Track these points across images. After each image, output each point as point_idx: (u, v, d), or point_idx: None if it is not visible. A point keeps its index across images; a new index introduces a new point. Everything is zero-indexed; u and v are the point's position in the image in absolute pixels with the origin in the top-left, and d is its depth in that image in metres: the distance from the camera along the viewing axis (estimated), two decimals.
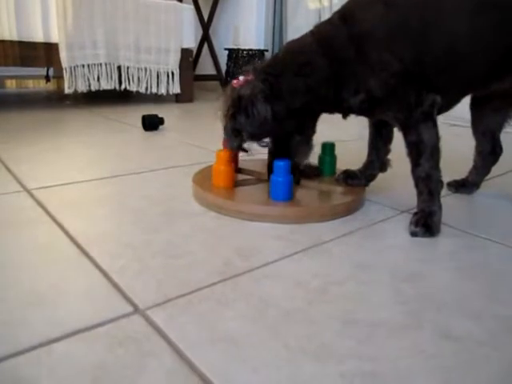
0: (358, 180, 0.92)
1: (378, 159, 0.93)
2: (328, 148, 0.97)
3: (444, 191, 0.99)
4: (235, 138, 0.81)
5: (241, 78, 0.81)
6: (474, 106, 0.94)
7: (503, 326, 0.50)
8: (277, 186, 0.79)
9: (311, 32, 0.82)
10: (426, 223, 0.75)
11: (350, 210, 0.82)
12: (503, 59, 0.76)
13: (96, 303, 0.51)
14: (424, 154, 0.75)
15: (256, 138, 0.82)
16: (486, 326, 0.50)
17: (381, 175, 0.95)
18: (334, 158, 0.98)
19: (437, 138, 0.76)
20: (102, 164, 1.13)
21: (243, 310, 0.51)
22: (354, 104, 0.79)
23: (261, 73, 0.79)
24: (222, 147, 0.96)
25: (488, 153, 0.96)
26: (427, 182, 0.76)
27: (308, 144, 0.85)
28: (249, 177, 0.91)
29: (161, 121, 1.63)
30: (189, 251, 0.65)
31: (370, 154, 0.94)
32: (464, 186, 0.99)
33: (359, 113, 0.83)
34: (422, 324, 0.50)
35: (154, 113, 1.66)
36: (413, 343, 0.47)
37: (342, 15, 0.79)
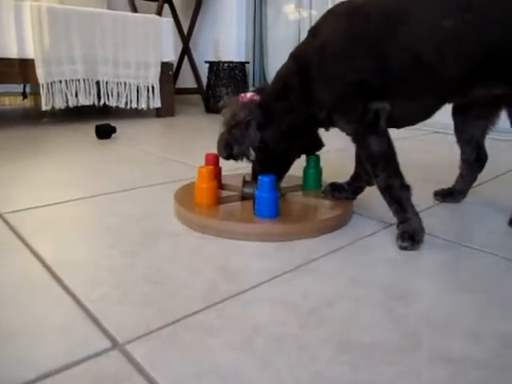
0: (346, 193, 0.90)
1: (364, 172, 0.92)
2: (313, 160, 0.95)
3: (431, 201, 0.98)
4: (225, 149, 0.83)
5: (248, 94, 0.84)
6: (455, 114, 0.94)
7: (500, 343, 0.48)
8: (262, 202, 0.76)
9: (291, 52, 0.85)
10: (411, 236, 0.73)
11: (337, 225, 0.80)
12: (478, 67, 0.75)
13: (71, 339, 0.47)
14: (377, 166, 0.76)
15: (242, 156, 0.83)
16: (483, 345, 0.48)
17: (367, 187, 0.93)
18: (319, 171, 0.96)
19: (387, 147, 0.76)
20: (80, 183, 1.09)
21: (230, 338, 0.48)
22: (321, 118, 0.81)
23: (260, 100, 0.83)
24: (203, 163, 0.94)
25: (473, 160, 0.95)
26: (390, 192, 0.76)
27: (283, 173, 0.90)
28: (232, 193, 0.89)
29: (113, 129, 1.74)
30: (171, 275, 0.61)
31: (356, 167, 0.92)
32: (451, 194, 0.98)
33: (332, 126, 0.84)
34: (418, 345, 0.48)
35: (108, 123, 1.77)
36: (409, 367, 0.44)
37: (312, 29, 0.82)
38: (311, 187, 0.93)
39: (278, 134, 0.82)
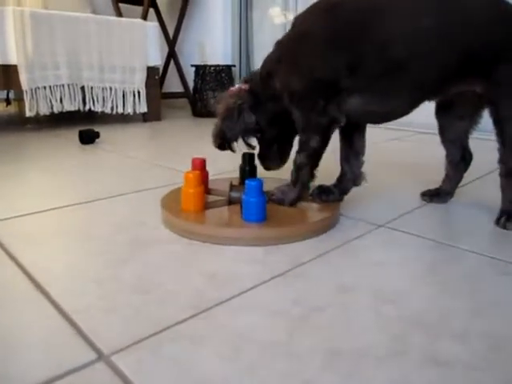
0: (333, 195, 0.89)
1: (350, 172, 0.92)
2: None
3: (419, 201, 0.98)
4: (218, 136, 0.88)
5: (236, 86, 0.90)
6: (438, 115, 0.94)
7: (490, 345, 0.48)
8: (249, 206, 0.75)
9: (277, 40, 0.88)
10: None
11: (325, 227, 0.79)
12: (453, 65, 0.77)
13: (56, 351, 0.46)
14: (304, 152, 0.82)
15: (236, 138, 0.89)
16: (473, 347, 0.48)
17: (354, 189, 0.93)
18: None
19: (323, 146, 0.81)
20: (65, 191, 1.07)
21: (218, 347, 0.47)
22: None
23: (249, 87, 0.88)
24: (190, 167, 0.93)
25: (458, 160, 0.95)
26: (298, 171, 0.83)
27: (284, 154, 0.94)
28: (219, 198, 0.88)
29: (96, 134, 1.73)
30: (159, 284, 0.60)
31: (342, 168, 0.92)
32: (438, 195, 0.99)
33: None
34: (409, 350, 0.47)
35: (91, 128, 1.76)
36: (401, 373, 0.44)
37: (294, 19, 0.86)
38: None
39: (267, 118, 0.87)
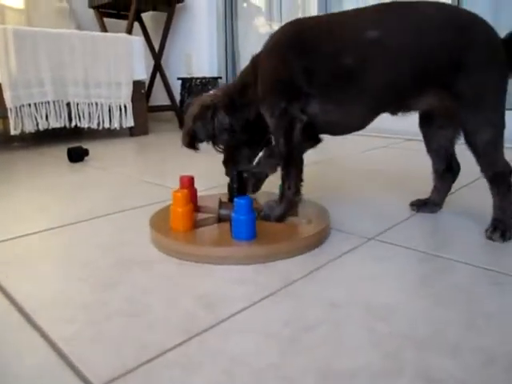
0: None
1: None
2: None
3: (408, 212, 0.98)
4: (188, 137, 0.91)
5: (211, 92, 0.95)
6: (421, 125, 0.96)
7: (482, 359, 0.48)
8: (239, 224, 0.75)
9: (252, 56, 0.92)
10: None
11: (316, 243, 0.79)
12: (409, 74, 0.78)
13: (43, 383, 0.45)
14: (281, 162, 0.84)
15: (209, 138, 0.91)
16: (465, 363, 0.48)
17: (343, 201, 0.93)
18: None
19: (290, 149, 0.82)
20: (50, 212, 1.05)
21: (211, 373, 0.46)
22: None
23: (224, 92, 0.92)
24: (178, 185, 0.93)
25: (444, 170, 0.96)
26: (282, 186, 0.84)
27: (253, 157, 0.98)
28: (209, 215, 0.87)
29: (85, 152, 1.71)
30: (149, 307, 0.60)
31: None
32: (425, 205, 0.99)
33: None
34: (402, 367, 0.47)
35: (80, 145, 1.74)
36: None
37: (270, 36, 0.91)
38: None
39: (241, 124, 0.90)
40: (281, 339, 0.52)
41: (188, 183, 0.92)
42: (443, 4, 0.83)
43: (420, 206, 0.99)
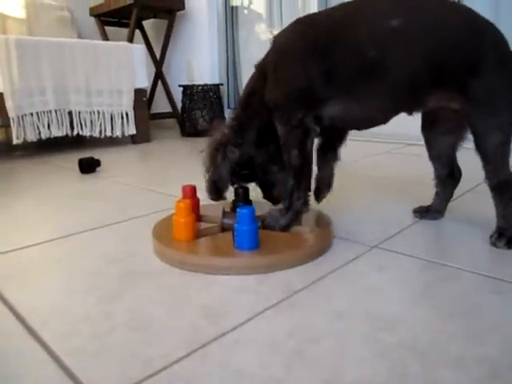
0: None
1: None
2: None
3: (410, 219, 0.98)
4: (213, 191, 0.89)
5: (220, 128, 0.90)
6: (424, 130, 0.95)
7: (487, 371, 0.48)
8: (242, 234, 0.75)
9: (256, 64, 0.89)
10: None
11: (320, 252, 0.79)
12: (427, 71, 0.77)
13: None
14: (290, 173, 0.82)
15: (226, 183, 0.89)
16: (471, 375, 0.47)
17: (346, 208, 0.93)
18: None
19: (303, 161, 0.81)
20: (52, 222, 1.06)
21: None
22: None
23: (230, 123, 0.90)
24: (181, 194, 0.93)
25: (446, 176, 0.96)
26: (290, 196, 0.83)
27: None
28: (212, 225, 0.87)
29: (97, 163, 1.66)
30: (152, 320, 0.59)
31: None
32: (427, 212, 0.99)
33: None
34: (408, 380, 0.47)
35: (91, 155, 1.69)
36: None
37: (273, 37, 0.88)
38: None
39: (253, 138, 0.87)
40: (285, 352, 0.52)
41: (190, 192, 0.93)
42: (456, 4, 0.83)
43: (422, 212, 0.99)
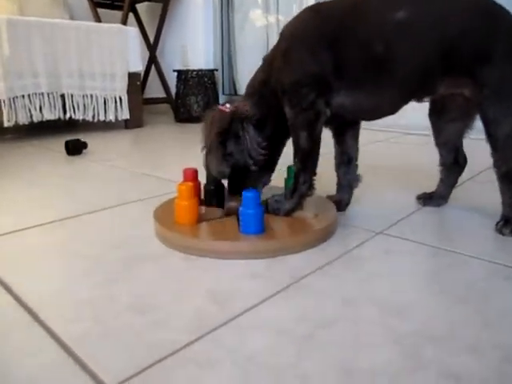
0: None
1: (344, 179, 0.92)
2: (293, 171, 0.93)
3: (414, 206, 0.98)
4: (225, 165, 0.82)
5: (228, 105, 0.83)
6: (431, 117, 0.94)
7: (502, 355, 0.47)
8: (247, 218, 0.73)
9: (263, 57, 0.88)
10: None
11: (325, 237, 0.78)
12: (436, 60, 0.76)
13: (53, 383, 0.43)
14: (298, 155, 0.81)
15: (242, 168, 0.83)
16: (486, 360, 0.47)
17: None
18: None
19: (312, 144, 0.79)
20: (48, 205, 1.03)
21: (227, 372, 0.45)
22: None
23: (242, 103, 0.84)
24: (180, 177, 0.91)
25: (451, 164, 0.95)
26: (296, 179, 0.81)
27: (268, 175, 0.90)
28: (214, 209, 0.85)
29: (84, 145, 1.66)
30: (158, 303, 0.58)
31: (338, 178, 0.92)
32: (431, 198, 0.98)
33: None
34: (423, 365, 0.46)
35: (78, 138, 1.68)
36: None
37: (283, 28, 0.86)
38: None
39: (269, 134, 0.83)
40: (296, 337, 0.51)
41: (192, 176, 0.91)
42: None
43: (426, 199, 0.99)
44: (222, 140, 0.80)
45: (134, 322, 0.54)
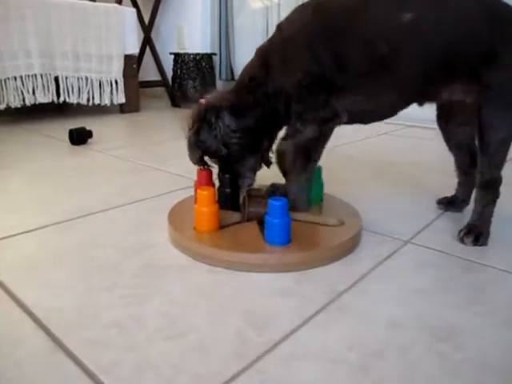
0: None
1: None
2: (314, 173, 0.88)
3: (434, 210, 0.94)
4: (197, 151, 0.81)
5: (209, 96, 0.83)
6: (439, 122, 0.92)
7: None
8: (274, 228, 0.69)
9: (257, 48, 0.84)
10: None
11: (354, 247, 0.74)
12: (439, 65, 0.74)
13: None
14: (292, 139, 0.79)
15: (215, 153, 0.81)
16: None
17: (360, 196, 0.88)
18: (320, 184, 0.90)
19: (313, 143, 0.78)
20: (52, 202, 0.97)
21: None
22: (281, 111, 0.80)
23: (225, 92, 0.85)
24: (189, 172, 0.86)
25: (468, 165, 0.92)
26: (291, 172, 0.81)
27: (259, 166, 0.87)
28: (230, 212, 0.80)
29: (89, 134, 1.56)
30: (191, 327, 0.53)
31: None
32: (453, 203, 0.95)
33: (288, 120, 0.82)
34: None
35: (82, 125, 1.58)
36: None
37: (279, 24, 0.82)
38: (312, 202, 0.87)
39: (247, 128, 0.81)
40: (348, 368, 0.47)
41: (207, 179, 0.86)
42: None
43: (447, 204, 0.96)
44: (196, 130, 0.80)
45: (169, 350, 0.49)
